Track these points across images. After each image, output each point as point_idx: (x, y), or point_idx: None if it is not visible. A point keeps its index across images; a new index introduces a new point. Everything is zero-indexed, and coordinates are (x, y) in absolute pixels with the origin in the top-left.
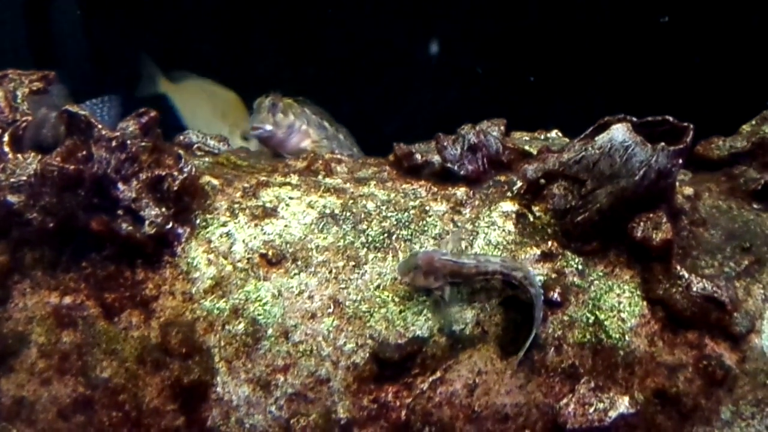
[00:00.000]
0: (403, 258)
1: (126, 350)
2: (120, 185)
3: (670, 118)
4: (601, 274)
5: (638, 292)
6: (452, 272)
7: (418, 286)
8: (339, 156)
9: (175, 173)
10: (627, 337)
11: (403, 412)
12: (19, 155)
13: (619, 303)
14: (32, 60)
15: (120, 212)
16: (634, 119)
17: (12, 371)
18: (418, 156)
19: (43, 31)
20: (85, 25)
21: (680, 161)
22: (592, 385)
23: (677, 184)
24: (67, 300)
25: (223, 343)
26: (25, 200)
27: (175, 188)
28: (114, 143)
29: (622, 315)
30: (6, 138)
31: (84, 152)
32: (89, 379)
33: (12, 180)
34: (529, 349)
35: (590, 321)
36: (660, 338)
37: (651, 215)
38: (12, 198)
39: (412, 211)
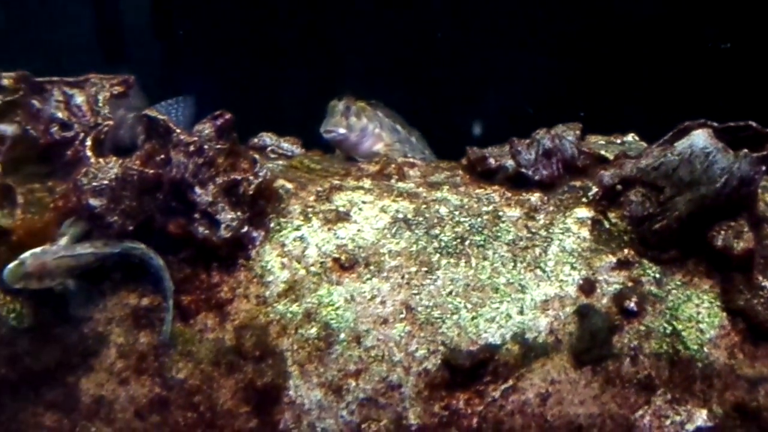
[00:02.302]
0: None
1: (201, 352)
2: (197, 189)
3: (753, 124)
4: (679, 283)
5: (718, 303)
6: (70, 268)
7: (35, 288)
8: (412, 160)
9: (251, 177)
10: (705, 349)
11: (475, 420)
12: (101, 159)
13: (698, 313)
14: (101, 54)
15: (197, 216)
16: (715, 124)
17: (92, 371)
18: (491, 160)
19: (111, 23)
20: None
21: (763, 168)
22: (669, 397)
23: (759, 191)
24: (145, 301)
25: (295, 347)
26: (106, 203)
27: (251, 192)
28: (192, 148)
29: (701, 326)
30: (89, 142)
31: (162, 156)
32: (165, 380)
33: (94, 184)
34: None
35: (667, 331)
36: (740, 350)
37: (732, 224)
38: (94, 201)
39: (485, 217)
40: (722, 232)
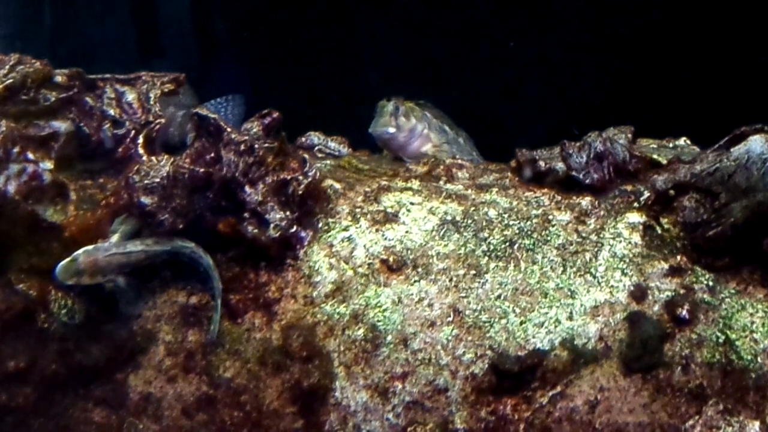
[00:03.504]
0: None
1: (248, 351)
2: (247, 188)
3: None
4: (733, 291)
5: None
6: (121, 265)
7: (86, 285)
8: (460, 161)
9: (300, 177)
10: (759, 359)
11: (522, 426)
12: (152, 157)
13: (752, 323)
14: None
15: (246, 215)
16: None
17: (140, 368)
18: (541, 163)
19: (149, 16)
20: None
21: None
22: (721, 407)
23: None
24: (194, 300)
25: (342, 348)
26: (157, 201)
27: (300, 192)
28: (243, 147)
29: (755, 335)
30: (141, 140)
31: (213, 155)
32: (212, 378)
33: (146, 182)
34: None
35: (720, 340)
36: None
37: None
38: (145, 199)
39: (534, 220)
40: None
